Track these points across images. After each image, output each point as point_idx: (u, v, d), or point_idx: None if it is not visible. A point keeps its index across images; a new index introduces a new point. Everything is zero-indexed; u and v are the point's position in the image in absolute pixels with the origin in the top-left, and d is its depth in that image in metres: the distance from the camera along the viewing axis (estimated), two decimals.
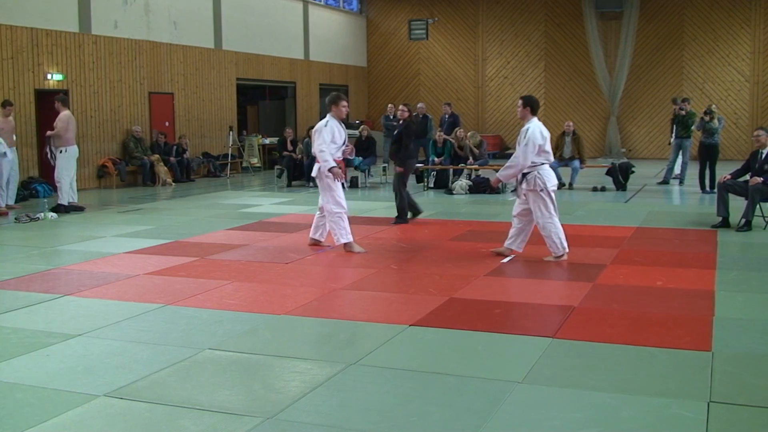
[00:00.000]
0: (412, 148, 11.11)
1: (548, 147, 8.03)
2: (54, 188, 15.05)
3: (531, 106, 8.06)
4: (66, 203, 12.50)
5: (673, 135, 17.64)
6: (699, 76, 23.53)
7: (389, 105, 20.23)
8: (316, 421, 4.02)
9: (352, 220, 11.19)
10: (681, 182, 15.98)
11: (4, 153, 12.39)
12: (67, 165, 12.65)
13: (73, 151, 12.78)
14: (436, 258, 8.37)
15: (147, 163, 17.09)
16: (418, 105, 19.38)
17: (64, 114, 12.67)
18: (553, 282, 7.13)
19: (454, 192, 14.76)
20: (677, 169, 17.06)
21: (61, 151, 12.61)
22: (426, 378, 4.63)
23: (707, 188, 14.34)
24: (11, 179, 12.99)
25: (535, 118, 8.07)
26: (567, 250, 8.07)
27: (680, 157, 16.19)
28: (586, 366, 4.80)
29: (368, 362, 4.92)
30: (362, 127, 18.35)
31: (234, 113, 20.96)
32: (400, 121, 11.14)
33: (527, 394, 4.35)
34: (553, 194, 8.10)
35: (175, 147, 17.96)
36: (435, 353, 5.14)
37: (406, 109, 11.10)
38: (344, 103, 8.77)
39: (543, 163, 7.98)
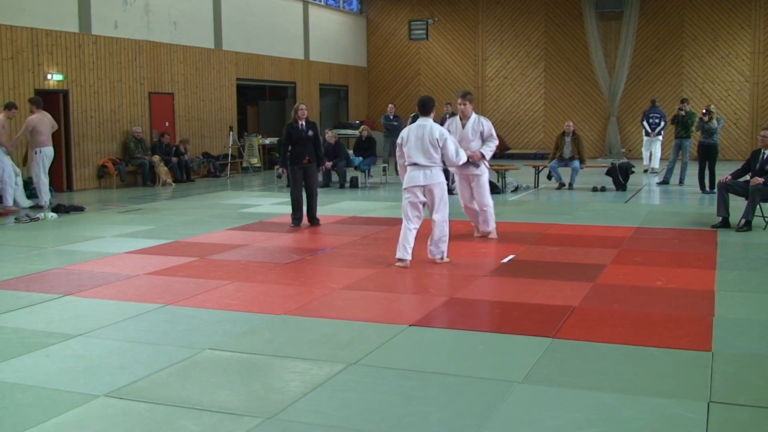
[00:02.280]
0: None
1: (406, 148, 7.93)
2: (53, 188, 15.07)
3: (419, 107, 8.13)
4: (44, 203, 12.58)
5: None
6: (699, 76, 23.53)
7: (389, 105, 20.26)
8: (316, 421, 4.02)
9: (352, 221, 11.24)
10: (681, 182, 16.00)
11: None
12: (42, 166, 12.77)
13: (47, 152, 13.00)
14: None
15: (147, 163, 17.09)
16: None
17: (29, 118, 12.94)
18: (553, 282, 7.13)
19: (454, 192, 14.74)
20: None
21: (36, 152, 12.81)
22: (426, 378, 4.63)
23: (707, 188, 14.34)
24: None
25: (422, 118, 7.99)
26: (398, 257, 7.83)
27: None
28: (586, 366, 4.80)
29: (368, 362, 4.92)
30: (362, 127, 18.36)
31: (234, 113, 20.96)
32: (303, 122, 10.66)
33: (527, 394, 4.35)
34: (404, 196, 8.00)
35: (174, 148, 17.95)
36: (435, 353, 5.14)
37: (306, 109, 10.85)
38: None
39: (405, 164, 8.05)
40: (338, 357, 5.01)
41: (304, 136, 10.62)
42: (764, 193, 9.88)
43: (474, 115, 9.28)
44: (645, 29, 23.82)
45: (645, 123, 19.14)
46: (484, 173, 9.36)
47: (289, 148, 10.73)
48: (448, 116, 18.36)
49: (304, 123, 10.66)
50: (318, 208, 11.01)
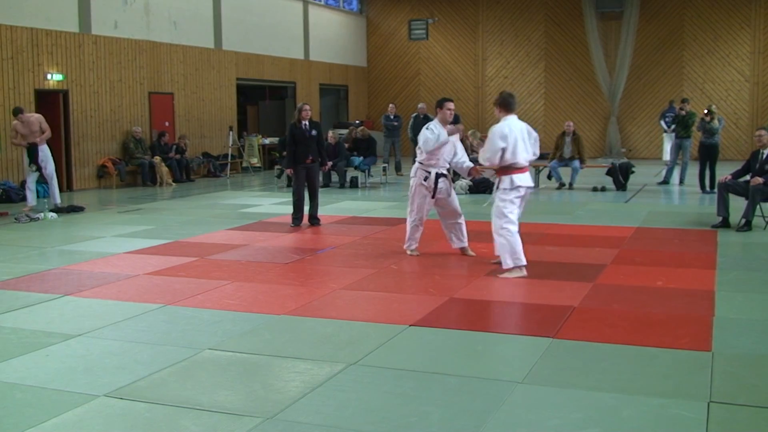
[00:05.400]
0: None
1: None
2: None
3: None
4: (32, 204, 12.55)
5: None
6: (699, 76, 23.53)
7: (390, 105, 20.26)
8: (316, 421, 4.02)
9: (352, 221, 11.24)
10: (681, 182, 16.01)
11: None
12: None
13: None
14: (435, 258, 8.36)
15: (146, 163, 17.09)
16: (419, 105, 19.39)
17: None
18: (553, 282, 7.12)
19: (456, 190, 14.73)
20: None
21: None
22: (426, 378, 4.63)
23: (707, 188, 14.35)
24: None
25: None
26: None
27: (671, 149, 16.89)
28: (586, 366, 4.79)
29: (368, 362, 4.92)
30: (361, 127, 18.34)
31: (234, 113, 20.96)
32: (306, 123, 10.63)
33: (527, 394, 4.35)
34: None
35: (174, 146, 17.95)
36: (435, 353, 5.14)
37: (310, 109, 10.85)
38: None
39: None
40: (338, 357, 5.01)
41: (308, 136, 10.63)
42: (764, 193, 9.88)
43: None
44: (645, 29, 23.81)
45: (662, 122, 20.10)
46: (497, 194, 7.59)
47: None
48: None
49: (307, 123, 10.67)
50: (318, 208, 11.01)
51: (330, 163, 16.06)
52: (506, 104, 7.44)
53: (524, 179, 7.42)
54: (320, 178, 14.61)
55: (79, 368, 4.88)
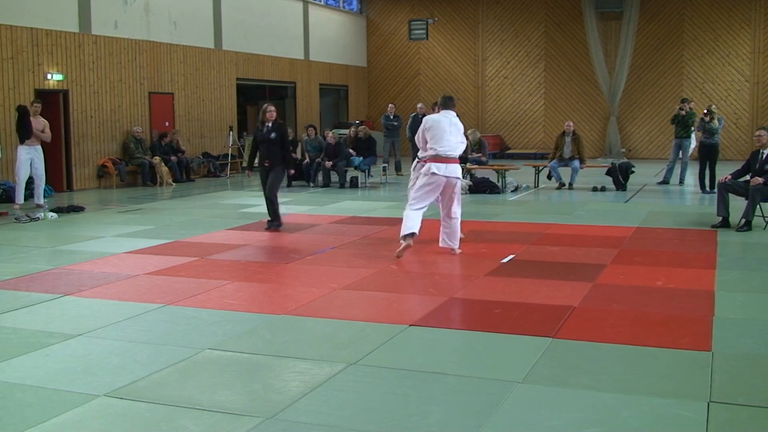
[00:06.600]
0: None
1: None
2: (53, 188, 15.07)
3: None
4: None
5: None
6: (699, 76, 23.53)
7: (390, 105, 20.26)
8: (316, 421, 4.02)
9: (352, 221, 11.24)
10: (681, 182, 16.01)
11: None
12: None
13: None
14: (435, 258, 8.37)
15: (147, 163, 17.08)
16: (418, 105, 19.40)
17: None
18: (553, 282, 7.13)
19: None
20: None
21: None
22: (426, 378, 4.63)
23: (707, 188, 14.35)
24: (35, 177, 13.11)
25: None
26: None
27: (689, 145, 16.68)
28: (586, 366, 4.79)
29: (368, 362, 4.92)
30: (361, 127, 18.35)
31: (234, 113, 20.97)
32: (269, 124, 10.37)
33: (527, 394, 4.35)
34: None
35: (171, 145, 17.88)
36: (435, 353, 5.14)
37: (275, 110, 10.57)
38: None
39: None
40: (338, 357, 5.01)
41: (267, 138, 10.36)
42: (764, 193, 9.88)
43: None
44: (645, 29, 23.82)
45: None
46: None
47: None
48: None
49: (270, 125, 10.42)
50: (317, 207, 11.00)
51: (329, 163, 16.17)
52: (441, 103, 8.63)
53: (443, 169, 8.27)
54: (320, 178, 14.55)
55: (79, 368, 4.88)
